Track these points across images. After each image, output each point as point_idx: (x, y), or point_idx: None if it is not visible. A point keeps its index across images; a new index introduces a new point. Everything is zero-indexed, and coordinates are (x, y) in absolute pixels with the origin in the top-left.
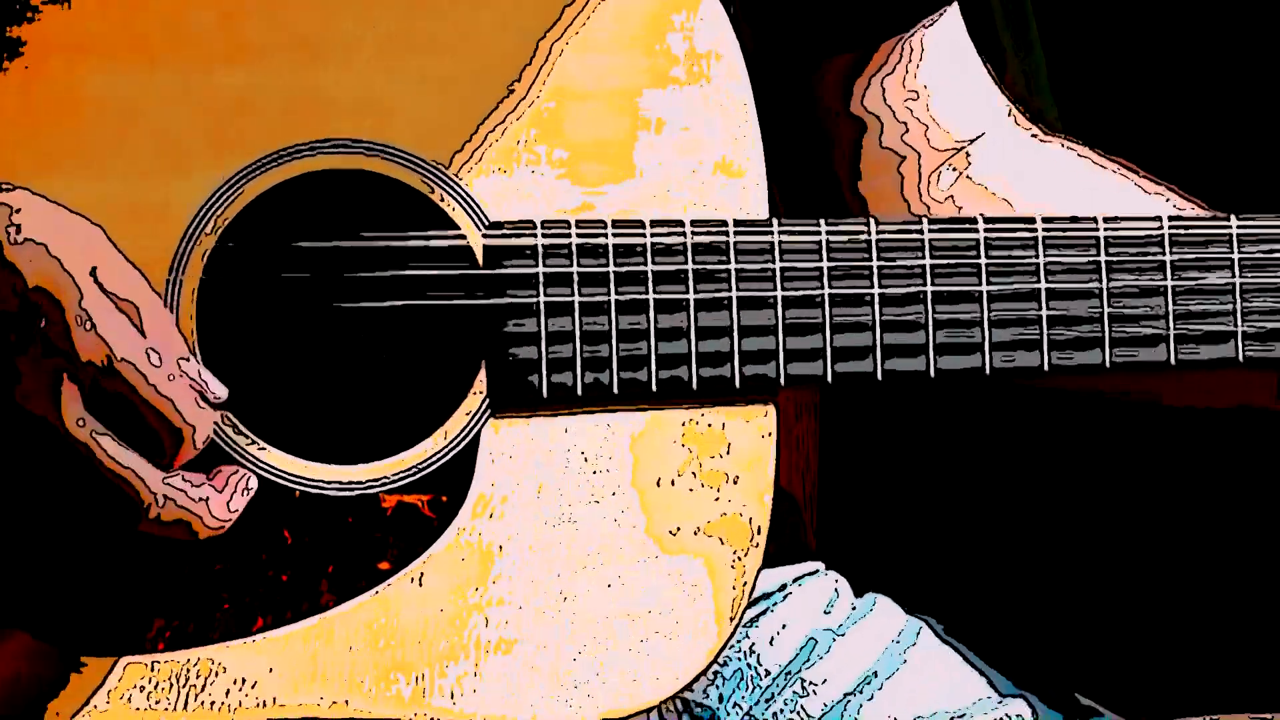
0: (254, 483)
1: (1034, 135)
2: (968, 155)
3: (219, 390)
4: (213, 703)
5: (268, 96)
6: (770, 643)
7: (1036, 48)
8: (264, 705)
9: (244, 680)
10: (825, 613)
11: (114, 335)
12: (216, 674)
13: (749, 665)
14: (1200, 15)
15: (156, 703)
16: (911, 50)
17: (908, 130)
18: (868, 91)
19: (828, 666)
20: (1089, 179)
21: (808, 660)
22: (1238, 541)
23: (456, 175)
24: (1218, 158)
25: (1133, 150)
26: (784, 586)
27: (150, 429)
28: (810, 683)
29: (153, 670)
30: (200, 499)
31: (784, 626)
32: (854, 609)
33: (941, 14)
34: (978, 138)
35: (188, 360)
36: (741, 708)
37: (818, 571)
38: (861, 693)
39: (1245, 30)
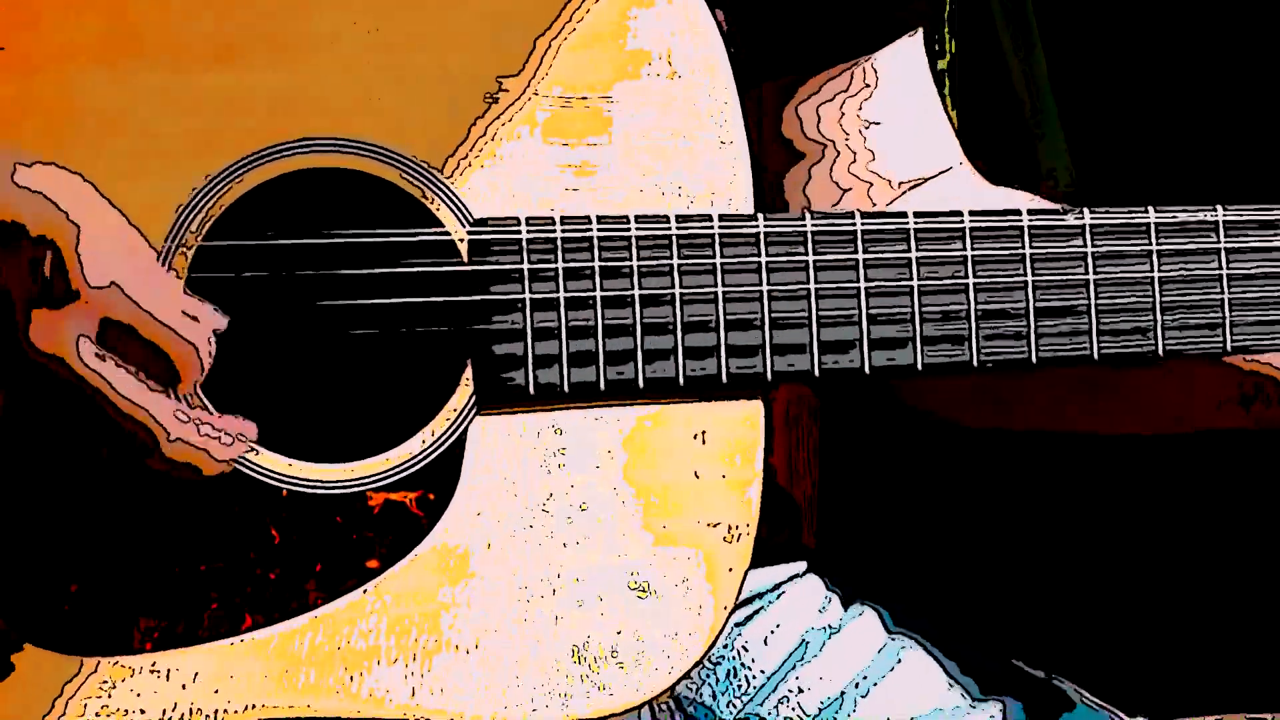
0: (253, 431)
1: (983, 181)
2: (921, 194)
3: (219, 318)
4: (199, 706)
5: (252, 97)
6: (764, 642)
7: (1037, 48)
8: (252, 706)
9: (232, 680)
10: (819, 612)
11: (115, 273)
12: (204, 674)
13: (742, 664)
14: (1200, 15)
15: (143, 704)
16: (868, 78)
17: (854, 161)
18: (819, 117)
19: (821, 666)
20: None
21: (801, 659)
22: (1237, 542)
23: (441, 173)
24: (1217, 157)
25: (1133, 150)
26: (777, 585)
27: (156, 360)
28: (804, 682)
29: (139, 670)
30: (207, 435)
31: (778, 626)
32: (841, 620)
33: (907, 38)
34: (933, 176)
35: (183, 292)
36: (736, 706)
37: (800, 575)
38: (857, 688)
39: (1245, 30)
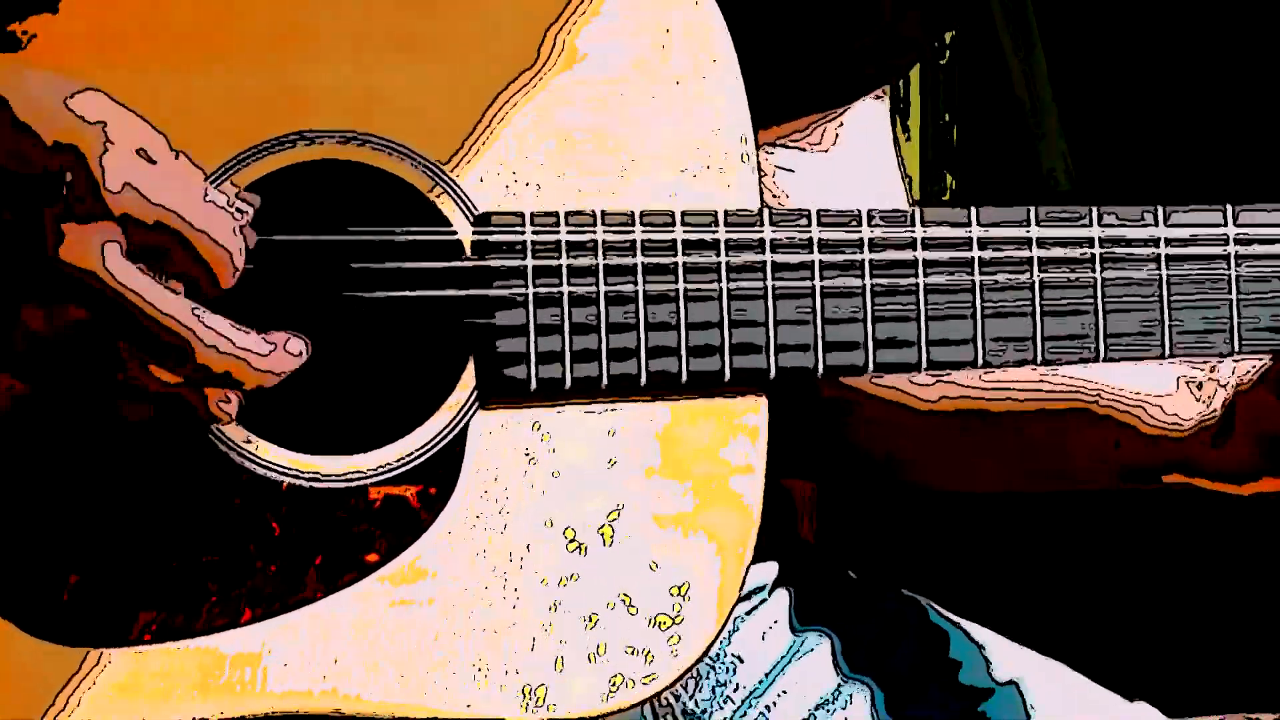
0: (298, 345)
1: None
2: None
3: (249, 201)
4: (201, 695)
5: (253, 91)
6: (762, 637)
7: (1038, 48)
8: (252, 696)
9: (231, 672)
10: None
11: (141, 180)
12: (204, 666)
13: (740, 660)
14: (1200, 15)
15: (142, 696)
16: (835, 129)
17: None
18: (774, 156)
19: (819, 660)
20: None
21: (798, 655)
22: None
23: (445, 167)
24: (1217, 157)
25: (1132, 150)
26: (776, 581)
27: (191, 265)
28: (802, 677)
29: (140, 663)
30: (245, 346)
31: (775, 622)
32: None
33: (874, 98)
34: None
35: (212, 188)
36: (734, 701)
37: (765, 594)
38: (853, 685)
39: (1245, 30)
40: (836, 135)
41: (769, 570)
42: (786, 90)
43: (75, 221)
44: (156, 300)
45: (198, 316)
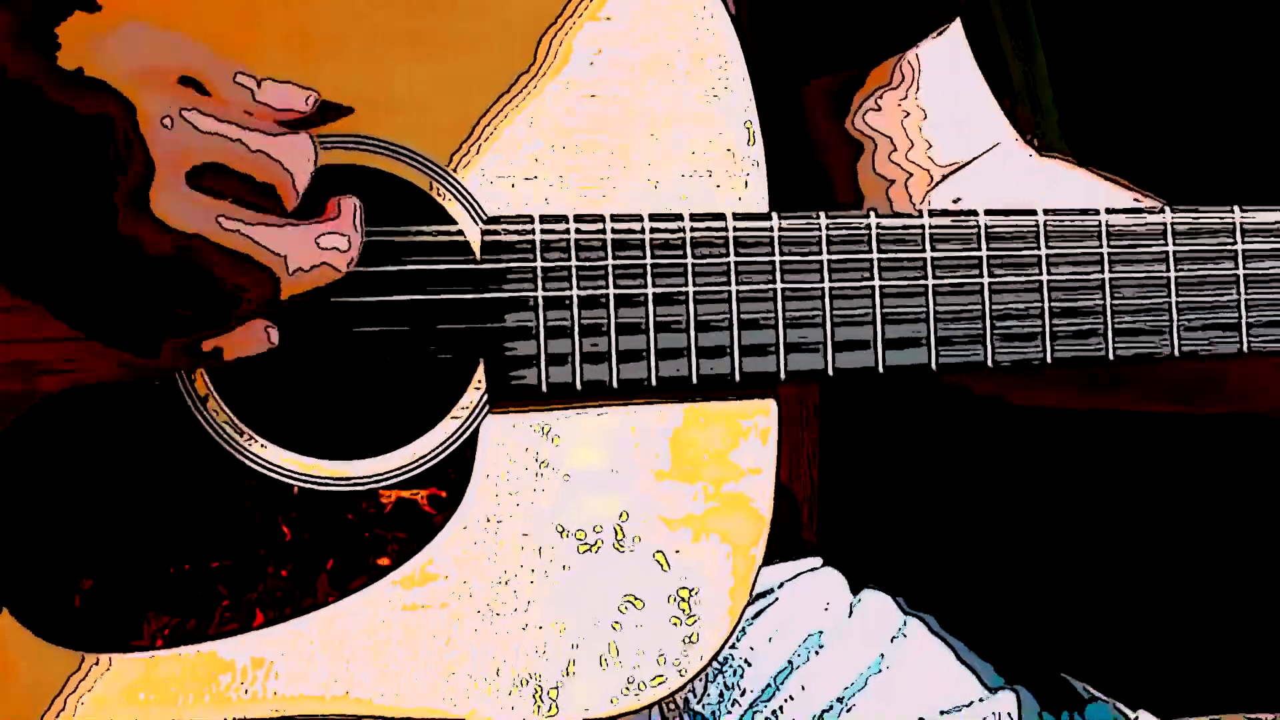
0: (354, 209)
1: (1031, 155)
2: (967, 173)
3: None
4: (212, 699)
5: None
6: (769, 640)
7: (1038, 51)
8: (264, 700)
9: (243, 676)
10: (824, 610)
11: (189, 117)
12: (215, 671)
13: (748, 663)
14: (1200, 15)
15: (154, 701)
16: (911, 69)
17: (913, 148)
18: (866, 111)
19: (827, 663)
20: (1088, 196)
21: (807, 658)
22: (1237, 541)
23: (454, 170)
24: (1217, 157)
25: (1132, 150)
26: (783, 584)
27: (254, 191)
28: (810, 679)
29: (151, 667)
30: (323, 247)
31: (784, 624)
32: (851, 606)
33: (943, 31)
34: (978, 156)
35: (272, 88)
36: (741, 705)
37: (816, 568)
38: (861, 688)
39: (1245, 31)
40: (918, 63)
41: (779, 572)
42: (859, 35)
43: (124, 181)
44: (227, 237)
45: (272, 247)
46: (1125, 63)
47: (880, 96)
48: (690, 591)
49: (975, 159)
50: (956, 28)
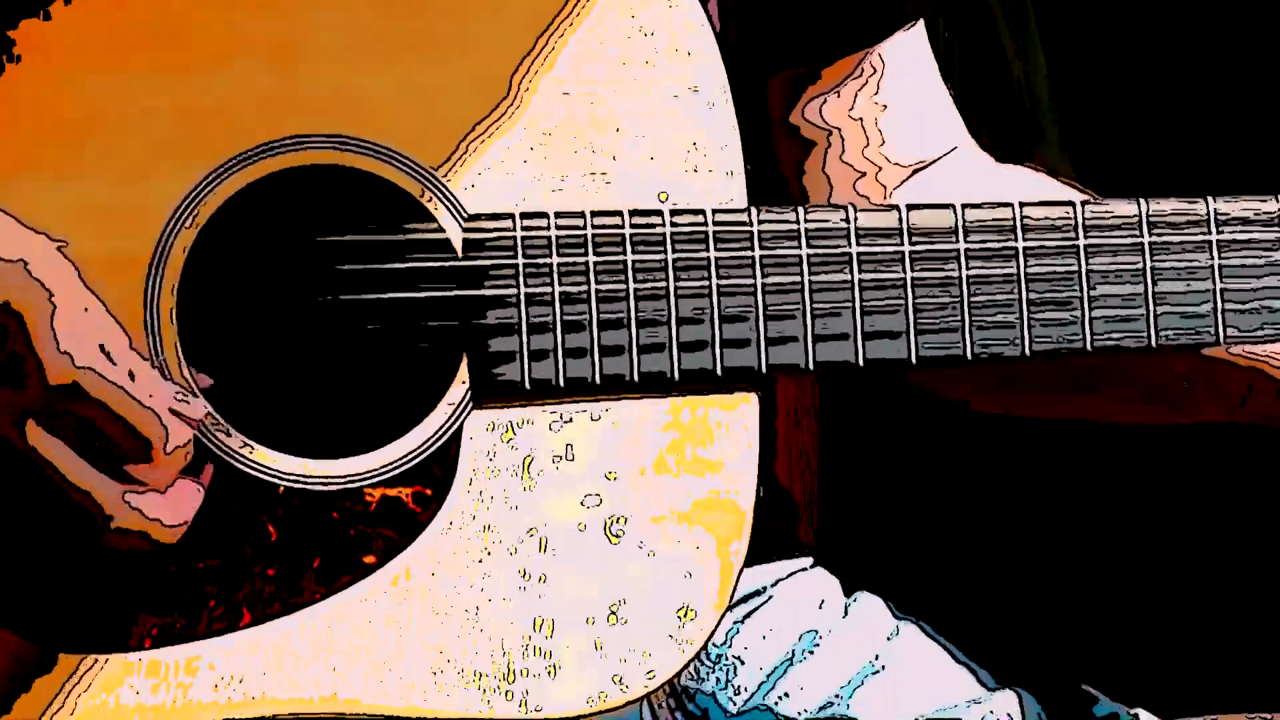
0: (198, 495)
1: (990, 160)
2: (927, 175)
3: (198, 406)
4: (201, 699)
5: (245, 97)
6: (763, 638)
7: (1037, 50)
8: (253, 700)
9: (232, 676)
10: (819, 609)
11: (88, 357)
12: (204, 671)
13: (740, 661)
14: (1200, 15)
15: (144, 701)
16: (874, 66)
17: (867, 145)
18: (825, 105)
19: (824, 661)
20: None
21: (800, 656)
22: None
23: (436, 170)
24: (1217, 157)
25: (1132, 150)
26: (777, 583)
27: (120, 441)
28: (807, 678)
29: (140, 669)
30: (156, 509)
31: (778, 622)
32: (846, 607)
33: (907, 29)
34: (939, 157)
35: (164, 379)
36: (736, 703)
37: (807, 568)
38: (859, 687)
39: (1245, 30)
40: (881, 62)
41: (773, 571)
42: (819, 32)
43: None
44: (68, 473)
45: (101, 503)
46: (1125, 62)
47: (838, 92)
48: (676, 584)
49: (936, 160)
50: (919, 31)
